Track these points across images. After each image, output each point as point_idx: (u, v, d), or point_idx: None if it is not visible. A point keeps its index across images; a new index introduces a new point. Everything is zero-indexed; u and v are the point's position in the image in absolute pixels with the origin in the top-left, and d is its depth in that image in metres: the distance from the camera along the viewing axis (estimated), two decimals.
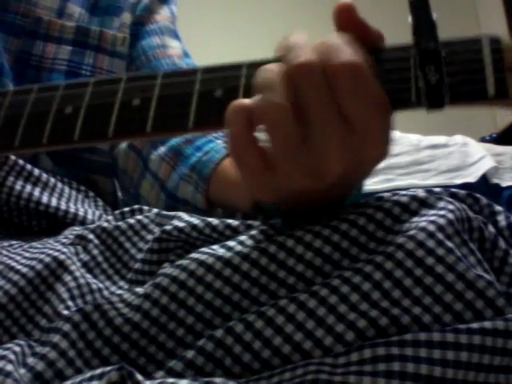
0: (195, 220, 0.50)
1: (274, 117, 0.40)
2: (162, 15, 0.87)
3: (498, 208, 0.45)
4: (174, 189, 0.74)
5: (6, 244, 0.58)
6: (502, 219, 0.44)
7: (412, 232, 0.40)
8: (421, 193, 0.43)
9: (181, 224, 0.50)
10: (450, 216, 0.41)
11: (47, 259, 0.51)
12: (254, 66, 0.44)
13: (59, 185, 0.68)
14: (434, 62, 0.41)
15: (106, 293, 0.51)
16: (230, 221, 0.49)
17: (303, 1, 3.06)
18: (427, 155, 2.08)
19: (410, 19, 0.43)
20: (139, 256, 0.53)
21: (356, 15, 0.43)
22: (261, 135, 0.41)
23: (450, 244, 0.39)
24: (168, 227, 0.51)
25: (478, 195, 0.45)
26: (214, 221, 0.49)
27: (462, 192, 0.44)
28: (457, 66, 0.41)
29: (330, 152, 0.40)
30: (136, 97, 0.46)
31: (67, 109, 0.48)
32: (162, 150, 0.76)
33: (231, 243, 0.44)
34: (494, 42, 0.41)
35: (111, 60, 0.81)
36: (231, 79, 0.45)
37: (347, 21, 0.43)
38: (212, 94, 0.45)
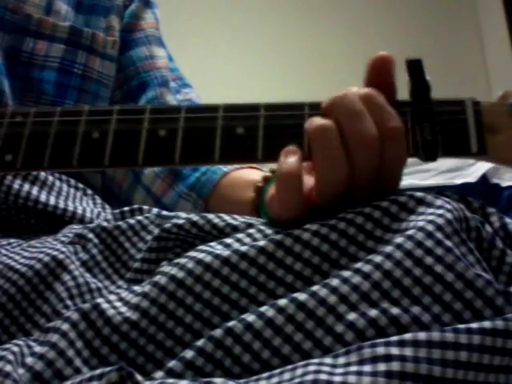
0: (194, 217, 0.50)
1: (335, 174, 0.45)
2: (148, 22, 0.89)
3: (491, 209, 0.45)
4: (172, 205, 0.77)
5: (4, 243, 0.58)
6: (495, 220, 0.44)
7: (411, 232, 0.40)
8: (418, 193, 0.43)
9: (180, 221, 0.50)
10: (449, 215, 0.41)
11: (46, 258, 0.51)
12: (272, 108, 0.50)
13: (57, 183, 0.68)
14: (429, 121, 0.48)
15: (104, 292, 0.51)
16: (230, 221, 0.49)
17: (304, 10, 3.07)
18: None
19: (407, 79, 0.50)
20: (138, 256, 0.53)
21: (392, 71, 0.49)
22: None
23: (448, 243, 0.39)
24: (167, 225, 0.51)
25: (470, 198, 0.45)
26: (215, 219, 0.49)
27: (455, 196, 0.45)
28: (447, 124, 0.48)
29: (366, 191, 0.46)
30: (162, 128, 0.50)
31: (94, 134, 0.51)
32: None
33: (229, 240, 0.44)
34: (476, 104, 0.49)
35: (102, 62, 0.82)
36: (251, 119, 0.50)
37: (383, 73, 0.49)
38: (234, 130, 0.49)
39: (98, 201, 0.71)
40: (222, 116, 0.50)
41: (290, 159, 0.46)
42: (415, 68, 0.49)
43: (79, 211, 0.66)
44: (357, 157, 0.45)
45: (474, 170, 2.08)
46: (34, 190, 0.65)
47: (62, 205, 0.66)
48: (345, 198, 0.46)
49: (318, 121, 0.47)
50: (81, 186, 0.71)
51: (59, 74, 0.78)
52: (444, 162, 2.09)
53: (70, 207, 0.66)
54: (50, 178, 0.68)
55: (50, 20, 0.79)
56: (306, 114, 0.49)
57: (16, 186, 0.64)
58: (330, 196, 0.46)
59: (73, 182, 0.70)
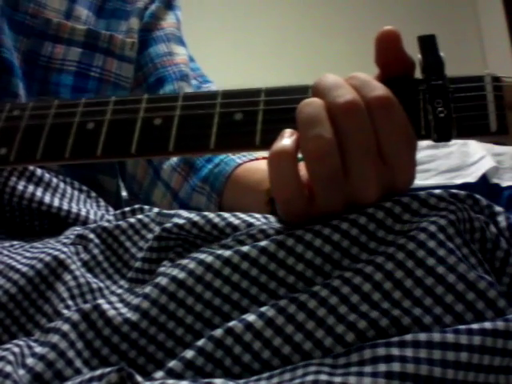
0: (195, 217, 0.50)
1: (323, 152, 0.42)
2: (168, 22, 0.88)
3: (498, 209, 0.45)
4: (187, 199, 0.76)
5: (7, 244, 0.58)
6: (502, 220, 0.44)
7: (413, 232, 0.40)
8: (422, 193, 0.43)
9: (181, 221, 0.50)
10: (451, 217, 0.41)
11: (47, 258, 0.51)
12: (272, 92, 0.48)
13: (61, 185, 0.68)
14: (442, 98, 0.45)
15: (106, 292, 0.51)
16: (231, 219, 0.49)
17: (303, 9, 3.07)
18: (427, 155, 2.08)
19: (419, 56, 0.47)
20: (139, 255, 0.53)
21: (400, 44, 0.47)
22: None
23: (450, 245, 0.39)
24: (168, 225, 0.51)
25: (478, 196, 0.45)
26: (215, 218, 0.49)
27: (462, 193, 0.44)
28: (463, 102, 0.45)
29: (369, 182, 0.43)
30: (157, 116, 0.49)
31: (89, 125, 0.50)
32: (174, 160, 0.79)
33: (230, 242, 0.44)
34: (496, 79, 0.45)
35: (120, 64, 0.82)
36: (250, 104, 0.47)
37: (391, 48, 0.47)
38: (232, 116, 0.47)
39: (102, 203, 0.71)
40: (221, 102, 0.48)
41: (285, 139, 0.44)
42: (428, 44, 0.47)
43: (83, 213, 0.66)
44: (343, 127, 0.42)
45: (473, 170, 2.09)
46: (39, 192, 0.65)
47: (66, 206, 0.66)
48: (351, 205, 0.44)
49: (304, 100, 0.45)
50: (85, 188, 0.71)
51: (76, 77, 0.79)
52: (444, 162, 2.09)
53: (74, 209, 0.66)
54: (54, 180, 0.68)
55: (68, 24, 0.80)
56: (309, 97, 0.46)
57: (20, 187, 0.64)
58: (326, 185, 0.43)
59: (77, 184, 0.71)
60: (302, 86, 0.48)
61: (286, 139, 0.44)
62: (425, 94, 0.45)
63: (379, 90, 0.44)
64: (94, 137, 0.49)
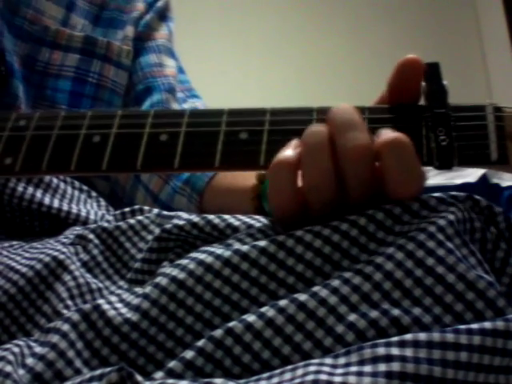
0: (195, 218, 0.50)
1: (319, 180, 0.43)
2: (161, 33, 0.90)
3: (498, 209, 0.45)
4: (169, 201, 0.78)
5: (6, 244, 0.58)
6: (501, 220, 0.44)
7: (412, 233, 0.40)
8: (421, 195, 0.43)
9: (181, 222, 0.50)
10: (451, 217, 0.41)
11: (47, 259, 0.51)
12: (277, 113, 0.49)
13: (62, 185, 0.69)
14: (444, 126, 0.45)
15: (105, 292, 0.51)
16: (231, 220, 0.49)
17: (304, 12, 3.07)
18: None
19: (423, 83, 0.47)
20: (139, 256, 0.53)
21: (421, 78, 0.47)
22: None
23: (450, 245, 0.39)
24: (168, 226, 0.51)
25: (478, 197, 0.45)
26: (215, 219, 0.49)
27: (462, 194, 0.45)
28: (464, 130, 0.45)
29: (364, 204, 0.43)
30: (163, 132, 0.49)
31: (95, 138, 0.50)
32: None
33: (230, 241, 0.44)
34: (497, 109, 0.45)
35: (116, 70, 0.83)
36: (256, 123, 0.48)
37: (412, 78, 0.47)
38: (237, 135, 0.48)
39: (103, 203, 0.72)
40: (226, 121, 0.49)
41: (289, 149, 0.45)
42: (432, 72, 0.47)
43: (83, 214, 0.67)
44: (346, 167, 0.43)
45: (474, 170, 2.08)
46: (38, 193, 0.66)
47: (65, 207, 0.66)
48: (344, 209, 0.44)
49: (312, 125, 0.46)
50: (85, 188, 0.71)
51: (74, 82, 0.80)
52: None
53: (74, 210, 0.67)
54: (55, 181, 0.68)
55: (66, 31, 0.81)
56: (314, 119, 0.48)
57: (20, 188, 0.65)
58: (319, 203, 0.44)
59: (77, 184, 0.71)
60: (307, 108, 0.49)
61: (290, 150, 0.44)
62: (428, 121, 0.46)
63: (391, 133, 0.43)
64: (99, 150, 0.49)
